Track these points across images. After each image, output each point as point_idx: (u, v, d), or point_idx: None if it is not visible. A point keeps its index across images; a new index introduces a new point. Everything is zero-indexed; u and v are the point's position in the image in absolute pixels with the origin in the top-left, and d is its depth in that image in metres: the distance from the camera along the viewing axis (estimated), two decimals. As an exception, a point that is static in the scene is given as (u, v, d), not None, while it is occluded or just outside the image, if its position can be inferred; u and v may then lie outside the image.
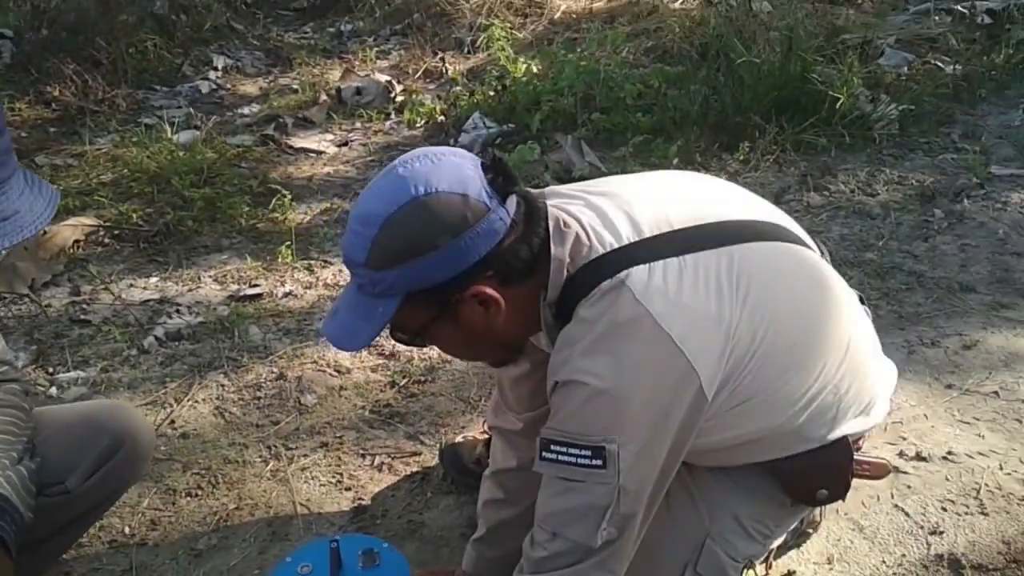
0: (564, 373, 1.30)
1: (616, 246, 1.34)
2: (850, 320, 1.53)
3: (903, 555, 1.91)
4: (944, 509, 2.01)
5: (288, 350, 2.57)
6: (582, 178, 3.38)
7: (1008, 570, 1.86)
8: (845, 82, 3.64)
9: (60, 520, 1.56)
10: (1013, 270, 2.88)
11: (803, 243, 1.53)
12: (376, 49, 5.29)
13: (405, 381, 2.42)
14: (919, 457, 2.16)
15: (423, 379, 2.43)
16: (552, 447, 1.30)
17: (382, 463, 2.15)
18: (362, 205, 1.30)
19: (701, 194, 1.51)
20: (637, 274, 1.30)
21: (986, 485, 2.07)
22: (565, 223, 1.35)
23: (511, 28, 4.73)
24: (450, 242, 1.23)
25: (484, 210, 1.25)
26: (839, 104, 3.56)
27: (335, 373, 2.48)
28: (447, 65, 4.81)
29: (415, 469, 2.13)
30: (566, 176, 3.44)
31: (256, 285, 2.89)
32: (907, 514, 2.00)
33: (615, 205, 1.40)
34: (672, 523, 1.53)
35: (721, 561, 1.54)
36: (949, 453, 2.16)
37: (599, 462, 1.27)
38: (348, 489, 2.08)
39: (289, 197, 3.19)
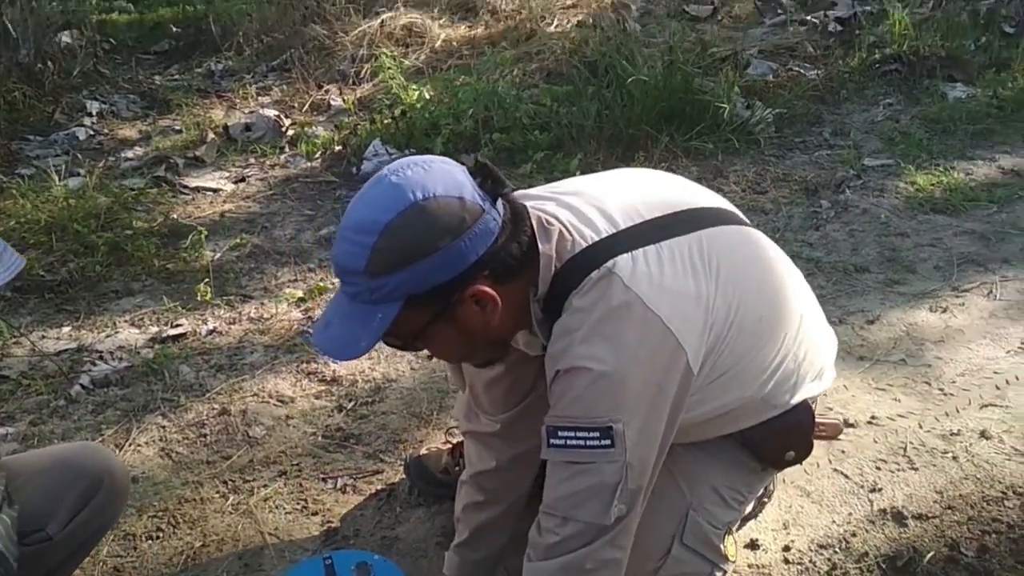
0: (565, 361, 1.36)
1: (596, 239, 1.42)
2: (801, 293, 1.66)
3: (850, 513, 2.05)
4: (878, 468, 2.17)
5: (224, 386, 2.52)
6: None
7: (945, 515, 2.03)
8: (724, 91, 3.87)
9: (41, 569, 1.50)
10: (899, 249, 3.14)
11: (750, 226, 1.66)
12: (255, 86, 5.24)
13: (352, 404, 2.43)
14: (847, 424, 2.32)
15: (370, 400, 2.44)
16: (560, 433, 1.36)
17: (345, 485, 2.14)
18: (355, 214, 1.32)
19: (659, 187, 1.62)
20: (622, 262, 1.38)
21: (911, 443, 2.25)
22: (547, 221, 1.42)
23: (395, 57, 4.78)
24: (451, 244, 1.27)
25: (479, 211, 1.30)
26: (723, 112, 3.78)
27: (279, 403, 2.45)
28: (337, 97, 4.82)
29: (380, 487, 2.13)
30: (475, 195, 3.51)
31: (178, 325, 2.82)
32: (846, 476, 2.15)
33: (586, 202, 1.48)
34: (656, 500, 1.60)
35: (704, 530, 1.63)
36: (873, 418, 2.34)
37: (607, 442, 1.34)
38: (315, 514, 2.06)
39: (204, 233, 3.13)
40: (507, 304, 1.36)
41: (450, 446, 2.11)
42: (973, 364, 2.55)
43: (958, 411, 2.37)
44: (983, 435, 2.27)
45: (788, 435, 1.64)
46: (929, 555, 1.91)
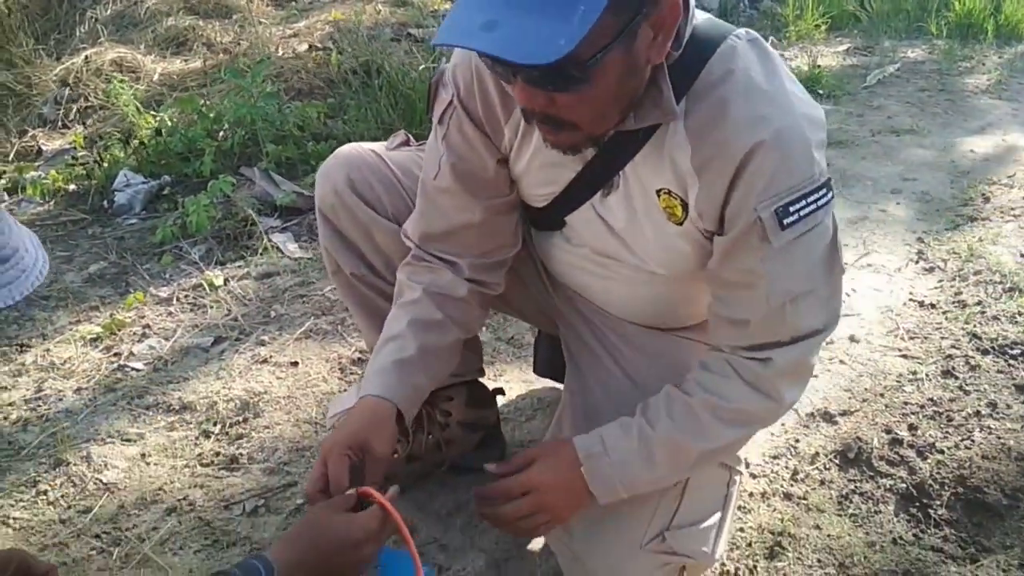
0: (763, 127, 1.16)
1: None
2: None
3: (782, 424, 2.06)
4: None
5: (44, 438, 2.01)
6: (288, 207, 3.15)
7: (864, 408, 2.11)
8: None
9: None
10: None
11: None
12: (-68, 143, 4.42)
13: (219, 428, 2.03)
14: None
15: (240, 419, 2.06)
16: (792, 208, 1.18)
17: (256, 506, 1.77)
18: None
19: None
20: (741, 32, 1.24)
21: (798, 357, 2.31)
22: None
23: (125, 83, 4.28)
24: None
25: None
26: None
27: (126, 442, 1.99)
28: (47, 141, 4.20)
29: (300, 501, 1.78)
30: (268, 209, 3.18)
31: (-55, 387, 2.22)
32: (761, 395, 2.16)
33: None
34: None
35: None
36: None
37: (830, 194, 1.22)
38: (232, 544, 1.68)
39: None
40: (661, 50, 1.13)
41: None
42: (812, 287, 2.71)
43: (821, 326, 2.48)
44: (852, 339, 2.41)
45: None
46: (874, 440, 1.96)
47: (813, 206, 1.19)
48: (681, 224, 1.28)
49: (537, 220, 1.53)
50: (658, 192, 1.28)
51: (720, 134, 1.18)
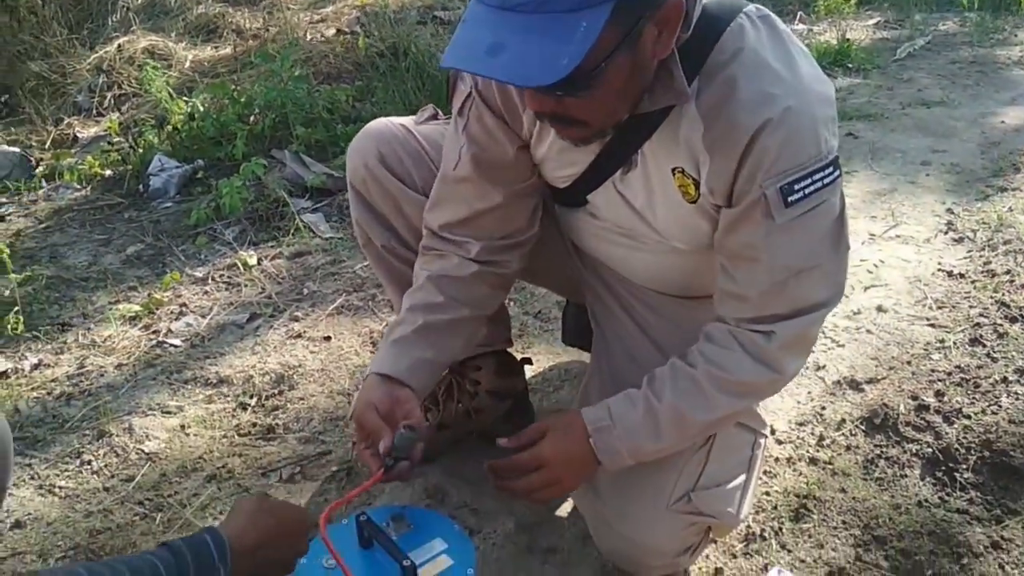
0: (772, 105, 1.17)
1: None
2: None
3: (809, 392, 2.08)
4: (812, 351, 2.21)
5: (87, 411, 2.08)
6: (319, 188, 3.20)
7: (891, 375, 2.11)
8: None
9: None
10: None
11: None
12: (-28, 130, 4.53)
13: (255, 400, 2.09)
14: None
15: (276, 391, 2.11)
16: (797, 186, 1.19)
17: (292, 474, 1.82)
18: None
19: None
20: (751, 10, 1.25)
21: (824, 327, 2.31)
22: None
23: (158, 69, 4.35)
24: None
25: None
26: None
27: (166, 414, 2.05)
28: (83, 129, 4.28)
29: (335, 468, 1.84)
30: (299, 190, 3.23)
31: (-9, 364, 2.30)
32: (787, 364, 2.17)
33: None
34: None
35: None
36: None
37: (838, 172, 1.23)
38: (270, 510, 1.73)
39: (6, 252, 2.58)
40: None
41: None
42: (839, 258, 2.71)
43: (848, 296, 2.49)
44: (880, 309, 2.41)
45: None
46: (900, 406, 1.97)
47: (819, 184, 1.20)
48: (695, 202, 1.31)
49: (560, 198, 1.55)
50: (673, 171, 1.30)
51: (730, 113, 1.20)
